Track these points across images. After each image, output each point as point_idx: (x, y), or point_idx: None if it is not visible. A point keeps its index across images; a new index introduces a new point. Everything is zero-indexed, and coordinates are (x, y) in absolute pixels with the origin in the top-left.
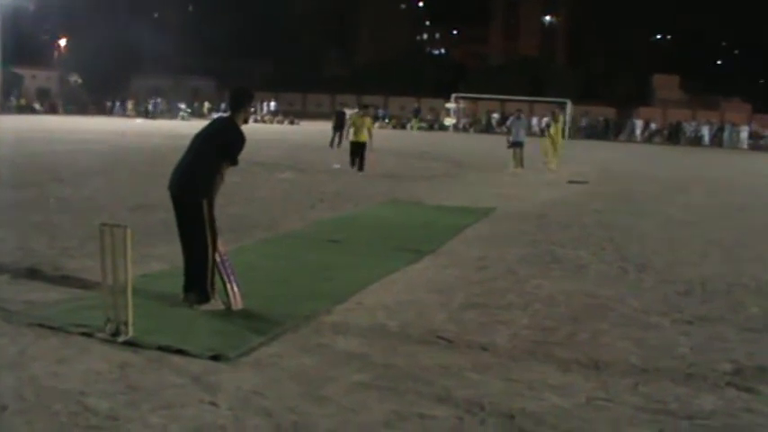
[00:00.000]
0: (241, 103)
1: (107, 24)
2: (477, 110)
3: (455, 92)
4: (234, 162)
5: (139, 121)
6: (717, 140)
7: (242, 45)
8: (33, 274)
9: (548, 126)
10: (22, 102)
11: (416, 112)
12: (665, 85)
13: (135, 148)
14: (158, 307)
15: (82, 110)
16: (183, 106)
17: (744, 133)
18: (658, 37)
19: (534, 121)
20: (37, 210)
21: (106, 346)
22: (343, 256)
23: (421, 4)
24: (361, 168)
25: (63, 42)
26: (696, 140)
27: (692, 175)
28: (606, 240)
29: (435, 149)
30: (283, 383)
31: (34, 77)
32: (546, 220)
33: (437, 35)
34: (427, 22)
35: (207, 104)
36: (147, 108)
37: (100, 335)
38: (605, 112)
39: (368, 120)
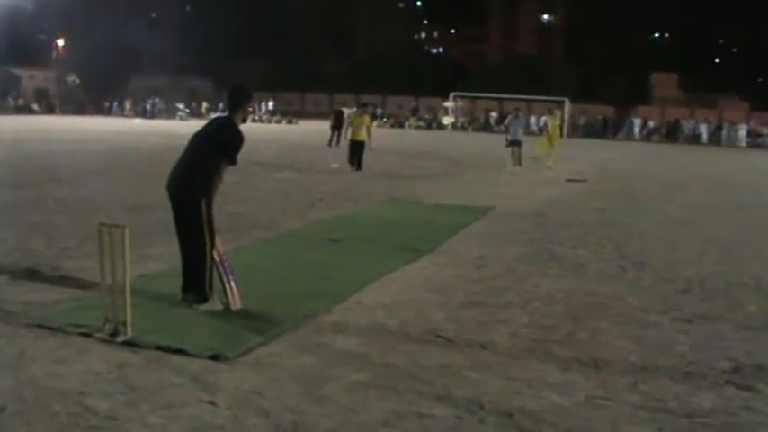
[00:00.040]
0: (239, 103)
1: (105, 24)
2: (475, 109)
3: (453, 91)
4: (233, 161)
5: (137, 120)
6: (715, 139)
7: (240, 45)
8: (32, 274)
9: (545, 124)
10: (20, 102)
11: (414, 111)
12: (664, 83)
13: (133, 148)
14: (157, 307)
15: (80, 110)
16: (181, 106)
17: (742, 131)
18: (656, 36)
19: (533, 119)
20: (35, 210)
21: (105, 347)
22: (342, 256)
23: (419, 2)
24: (359, 168)
25: (61, 42)
26: (694, 139)
27: (690, 173)
28: (605, 239)
29: (434, 148)
30: (282, 383)
31: (32, 78)
32: (545, 218)
33: (435, 34)
34: (425, 21)
35: (205, 104)
36: (144, 108)
37: (98, 335)
38: (603, 111)
39: (366, 118)
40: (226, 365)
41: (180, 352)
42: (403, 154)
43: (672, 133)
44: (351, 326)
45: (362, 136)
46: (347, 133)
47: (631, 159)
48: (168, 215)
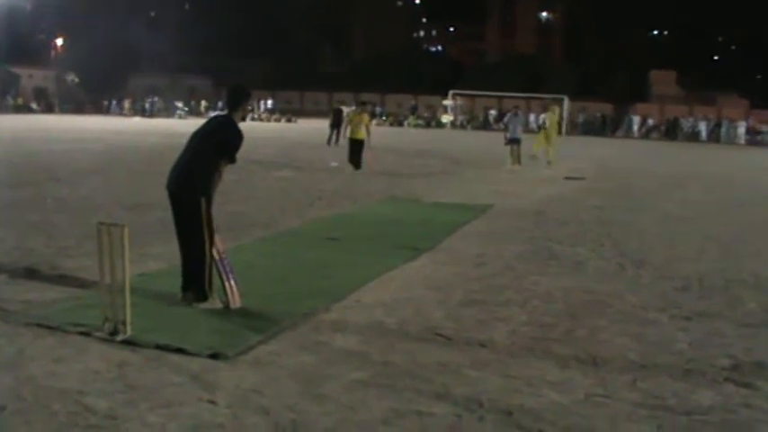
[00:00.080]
0: (239, 101)
1: (104, 23)
2: (474, 107)
3: (452, 89)
4: (232, 160)
5: (136, 119)
6: (714, 136)
7: (239, 43)
8: (31, 273)
9: (544, 122)
10: (19, 101)
11: (413, 110)
12: (662, 80)
13: (132, 147)
14: (156, 306)
15: (79, 109)
16: (179, 105)
17: (741, 129)
18: (655, 33)
19: (532, 117)
20: (34, 209)
21: (104, 346)
22: (342, 254)
23: (417, 1)
24: (358, 166)
25: (60, 42)
26: (693, 136)
27: (689, 170)
28: (604, 237)
29: (433, 147)
30: (282, 381)
31: (31, 77)
32: (543, 216)
33: (434, 32)
34: (424, 19)
35: (204, 103)
36: (143, 107)
37: (98, 334)
38: (602, 108)
39: (365, 117)
40: (225, 364)
41: (179, 351)
42: (402, 152)
43: (671, 131)
44: (350, 324)
45: (362, 134)
46: (346, 132)
47: (630, 157)
48: (167, 214)
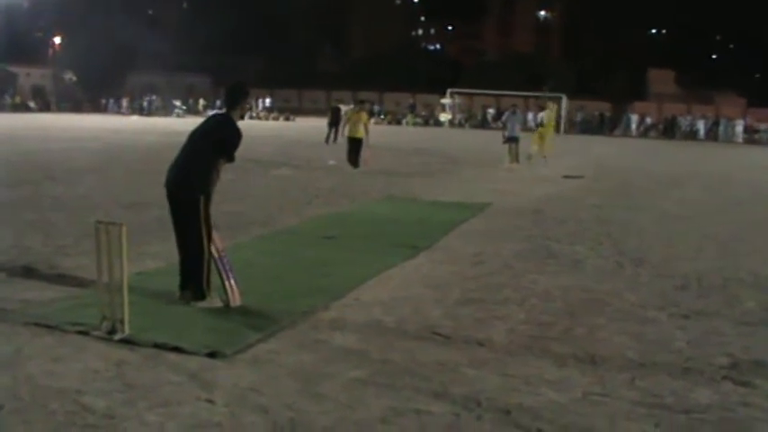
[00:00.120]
0: (237, 100)
1: (101, 22)
2: (472, 105)
3: (450, 87)
4: (231, 159)
5: (134, 118)
6: (712, 135)
7: (237, 42)
8: (28, 272)
9: (542, 120)
10: (17, 100)
11: (412, 108)
12: (661, 79)
13: (130, 146)
14: (154, 305)
15: (76, 107)
16: (178, 103)
17: (739, 127)
18: (653, 32)
19: (530, 116)
20: (32, 208)
21: (102, 345)
22: (340, 253)
23: None
24: (356, 165)
25: (57, 40)
26: (691, 135)
27: (687, 169)
28: (602, 235)
29: (431, 145)
30: (280, 380)
31: (29, 75)
32: (542, 215)
33: (432, 31)
34: (422, 18)
35: (202, 101)
36: (141, 105)
37: (96, 333)
38: (600, 107)
39: (364, 115)
40: (223, 363)
41: (177, 350)
42: (400, 151)
43: (669, 129)
44: (348, 323)
45: (360, 133)
46: (344, 130)
47: (628, 156)
48: (165, 212)
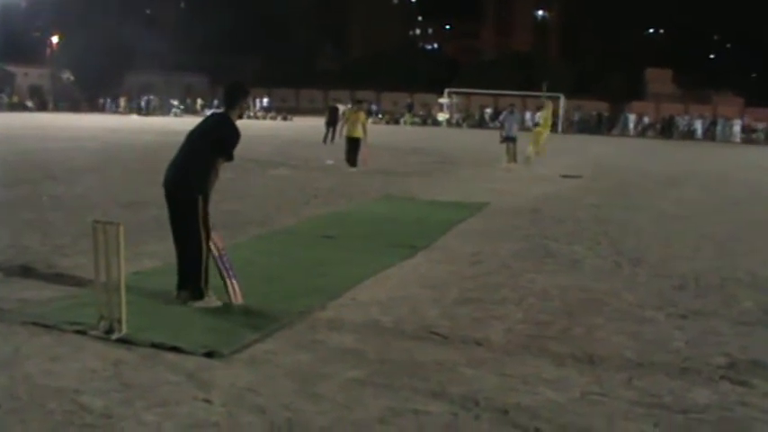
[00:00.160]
0: (236, 99)
1: (99, 21)
2: (469, 105)
3: (448, 87)
4: (230, 158)
5: (132, 117)
6: (710, 134)
7: (234, 41)
8: (26, 271)
9: (538, 120)
10: (15, 99)
11: (409, 108)
12: (658, 79)
13: (127, 145)
14: (152, 304)
15: (74, 107)
16: (175, 103)
17: (736, 127)
18: (651, 31)
19: (528, 115)
20: (29, 207)
21: (100, 344)
22: (337, 252)
23: None
24: (353, 164)
25: (55, 39)
26: (689, 134)
27: (685, 169)
28: (600, 235)
29: (428, 145)
30: (277, 380)
31: (26, 75)
32: (540, 214)
33: (429, 30)
34: (420, 18)
35: (200, 101)
36: (139, 105)
37: (93, 332)
38: (598, 107)
39: (362, 115)
40: (221, 363)
41: (175, 349)
42: (398, 150)
43: (666, 129)
44: (346, 322)
45: (358, 132)
46: (342, 130)
47: (626, 155)
48: (162, 212)
